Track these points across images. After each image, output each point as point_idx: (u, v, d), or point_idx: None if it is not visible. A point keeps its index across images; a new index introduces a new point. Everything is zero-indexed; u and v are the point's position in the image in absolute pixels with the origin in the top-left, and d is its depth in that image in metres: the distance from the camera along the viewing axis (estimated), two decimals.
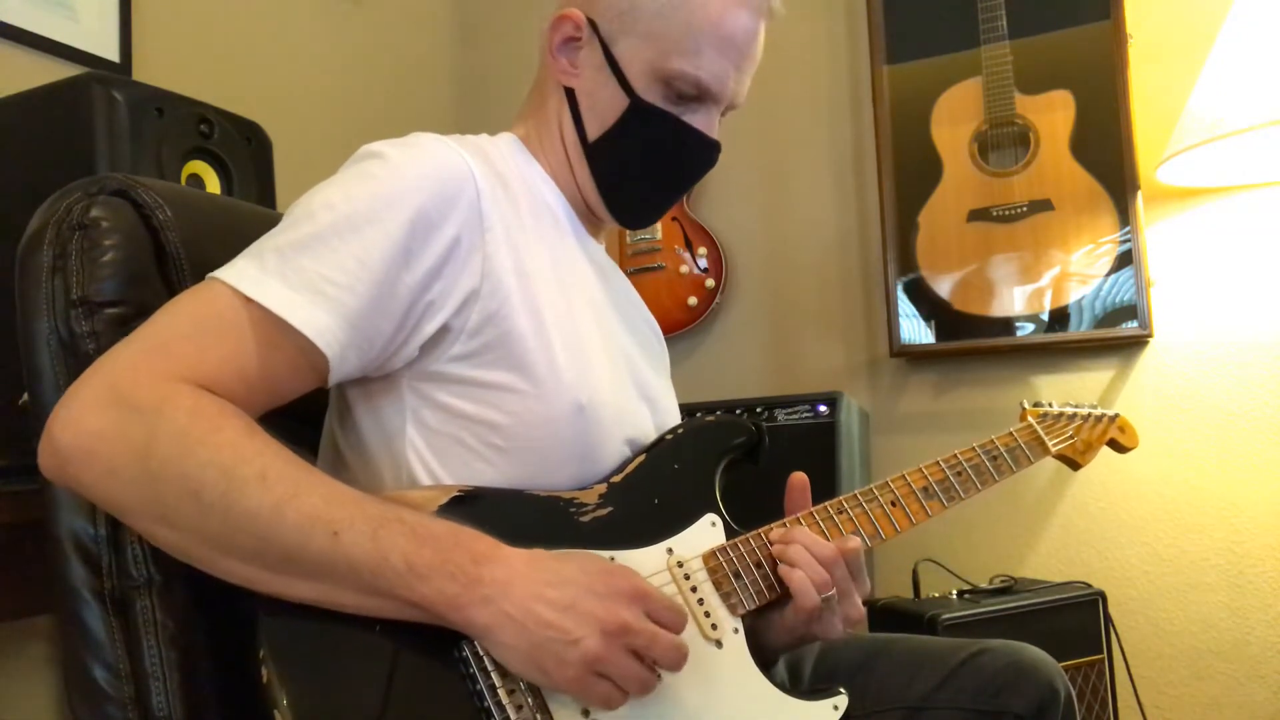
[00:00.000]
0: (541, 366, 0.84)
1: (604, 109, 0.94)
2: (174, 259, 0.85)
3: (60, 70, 1.56)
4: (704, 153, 0.97)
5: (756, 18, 0.94)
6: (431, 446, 0.84)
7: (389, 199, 0.79)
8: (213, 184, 1.33)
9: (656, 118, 0.93)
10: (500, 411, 0.83)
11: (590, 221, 1.01)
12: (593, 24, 0.94)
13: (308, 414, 0.91)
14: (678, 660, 0.76)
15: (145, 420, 0.69)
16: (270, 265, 0.76)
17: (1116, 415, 1.21)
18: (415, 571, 0.71)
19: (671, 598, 0.79)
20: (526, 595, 0.72)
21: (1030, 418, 1.13)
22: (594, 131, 0.95)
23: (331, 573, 0.70)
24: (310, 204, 0.80)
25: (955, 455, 1.03)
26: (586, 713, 0.75)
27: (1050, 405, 1.16)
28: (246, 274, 0.76)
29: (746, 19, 0.92)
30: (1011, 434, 1.09)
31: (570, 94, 0.96)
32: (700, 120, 0.95)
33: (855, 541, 0.90)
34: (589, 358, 0.88)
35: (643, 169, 0.96)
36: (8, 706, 1.48)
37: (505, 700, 0.73)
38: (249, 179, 1.37)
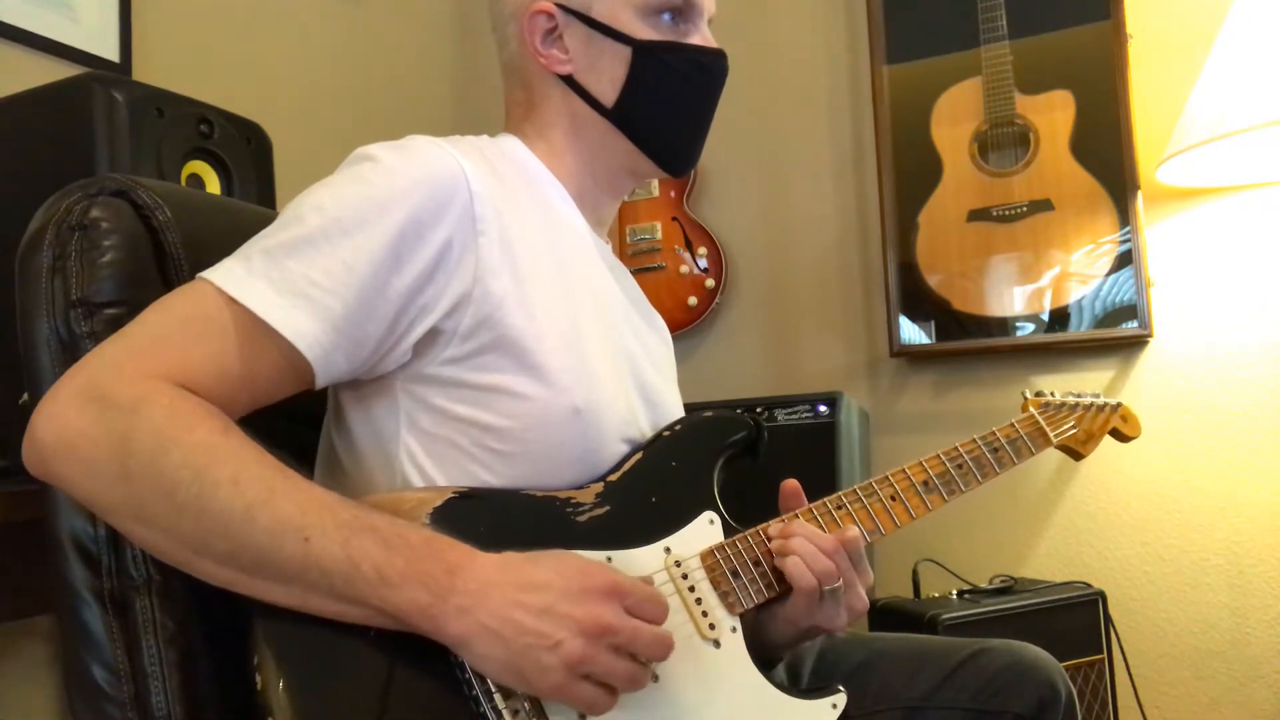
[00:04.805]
0: (537, 369, 0.83)
1: (610, 70, 0.96)
2: (174, 259, 0.85)
3: (60, 70, 1.56)
4: (716, 63, 0.99)
5: None
6: (426, 449, 0.83)
7: (380, 202, 0.79)
8: (213, 184, 1.33)
9: (662, 50, 0.95)
10: (496, 414, 0.83)
11: (598, 220, 1.01)
12: (561, 6, 0.95)
13: (307, 416, 0.91)
14: (662, 653, 0.75)
15: (123, 418, 0.69)
16: (257, 267, 0.76)
17: (1119, 404, 1.20)
18: (386, 580, 0.70)
19: (654, 589, 0.77)
20: (502, 603, 0.71)
21: (1032, 408, 1.12)
22: (610, 96, 0.96)
23: (303, 578, 0.70)
24: (301, 206, 0.80)
25: (956, 448, 1.03)
26: (583, 716, 0.75)
27: (1052, 395, 1.15)
28: (233, 275, 0.76)
29: None
30: (1013, 425, 1.08)
31: (569, 80, 0.97)
32: (697, 37, 0.98)
33: (854, 530, 0.91)
34: (588, 360, 0.88)
35: (670, 103, 0.98)
36: (8, 706, 1.48)
37: (502, 705, 0.73)
38: (249, 179, 1.37)
